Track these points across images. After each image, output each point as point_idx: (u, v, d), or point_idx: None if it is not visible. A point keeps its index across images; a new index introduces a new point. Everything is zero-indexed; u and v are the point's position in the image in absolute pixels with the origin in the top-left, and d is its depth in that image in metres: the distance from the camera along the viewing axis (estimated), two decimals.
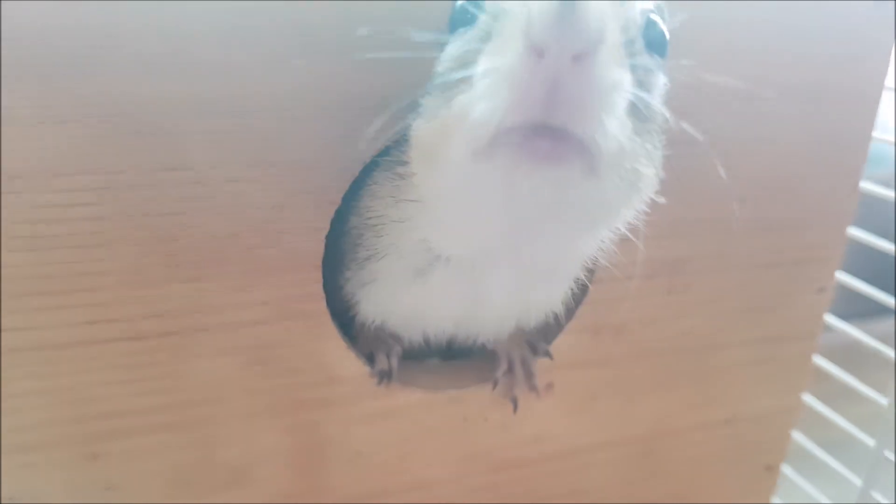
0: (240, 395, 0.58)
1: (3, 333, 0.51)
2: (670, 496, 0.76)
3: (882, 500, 0.81)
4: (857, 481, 0.84)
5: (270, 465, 0.62)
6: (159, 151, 0.50)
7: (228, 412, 0.59)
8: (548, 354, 0.66)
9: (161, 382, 0.56)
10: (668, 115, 0.44)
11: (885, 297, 0.78)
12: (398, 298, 0.58)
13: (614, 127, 0.37)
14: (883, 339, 0.77)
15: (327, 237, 0.56)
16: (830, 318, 0.83)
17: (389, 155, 0.53)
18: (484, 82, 0.38)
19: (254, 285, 0.55)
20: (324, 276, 0.58)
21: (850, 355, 0.85)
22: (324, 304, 0.58)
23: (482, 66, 0.39)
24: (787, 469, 0.85)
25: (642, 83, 0.42)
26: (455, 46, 0.44)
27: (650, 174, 0.44)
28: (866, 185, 0.74)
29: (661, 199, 0.48)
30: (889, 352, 0.79)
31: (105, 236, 0.51)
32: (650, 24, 0.44)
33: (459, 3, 0.44)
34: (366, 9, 0.50)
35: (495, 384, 0.65)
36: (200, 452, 0.59)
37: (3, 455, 0.55)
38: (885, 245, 0.74)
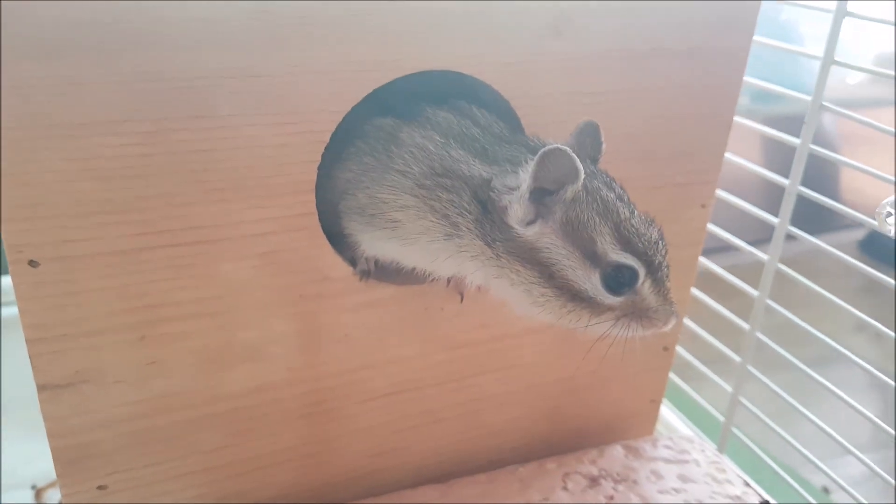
0: (255, 290, 0.75)
1: (76, 243, 0.67)
2: (587, 370, 0.96)
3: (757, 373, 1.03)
4: (738, 358, 1.07)
5: (278, 345, 0.78)
6: (192, 105, 0.65)
7: (246, 303, 0.75)
8: None
9: (194, 280, 0.72)
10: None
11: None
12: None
13: None
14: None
15: (320, 168, 0.73)
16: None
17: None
18: None
19: (265, 205, 0.71)
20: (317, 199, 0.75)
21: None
22: (317, 220, 0.74)
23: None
24: (678, 348, 1.08)
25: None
26: None
27: None
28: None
29: None
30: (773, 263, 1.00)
31: (152, 168, 0.66)
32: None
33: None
34: None
35: (449, 281, 0.84)
36: (224, 334, 0.75)
37: (73, 339, 0.70)
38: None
